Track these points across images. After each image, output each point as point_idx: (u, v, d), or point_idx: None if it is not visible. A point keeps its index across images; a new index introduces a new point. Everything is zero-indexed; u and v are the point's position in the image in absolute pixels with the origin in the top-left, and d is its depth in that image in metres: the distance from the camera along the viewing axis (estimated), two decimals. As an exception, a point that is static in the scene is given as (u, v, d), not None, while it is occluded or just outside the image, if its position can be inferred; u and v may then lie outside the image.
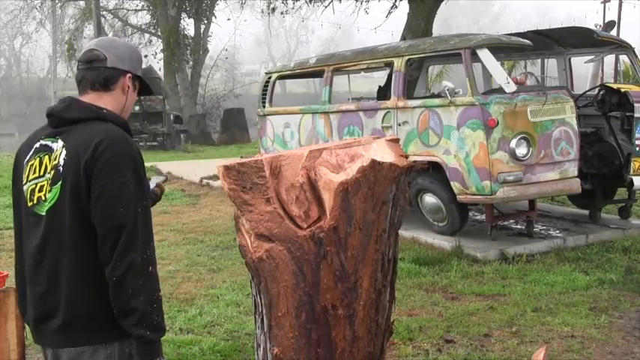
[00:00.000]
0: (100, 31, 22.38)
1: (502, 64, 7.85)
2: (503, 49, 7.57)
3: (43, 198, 1.92)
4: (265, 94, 8.94)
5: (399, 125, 6.92)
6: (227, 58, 33.18)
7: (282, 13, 17.94)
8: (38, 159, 1.96)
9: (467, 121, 6.25)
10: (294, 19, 46.52)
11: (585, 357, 3.96)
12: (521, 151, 6.12)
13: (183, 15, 25.32)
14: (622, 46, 7.72)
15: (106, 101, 2.02)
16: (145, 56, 28.48)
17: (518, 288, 5.29)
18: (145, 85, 2.19)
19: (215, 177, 10.40)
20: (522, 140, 6.12)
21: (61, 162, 1.90)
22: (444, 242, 6.55)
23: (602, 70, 17.97)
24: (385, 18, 15.32)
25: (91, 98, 2.02)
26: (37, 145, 1.98)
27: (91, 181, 1.85)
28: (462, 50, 6.47)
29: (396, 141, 2.87)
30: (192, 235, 7.33)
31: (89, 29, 26.80)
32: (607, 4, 27.58)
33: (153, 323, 1.86)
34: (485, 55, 6.46)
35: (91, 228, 1.86)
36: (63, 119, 1.97)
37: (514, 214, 7.26)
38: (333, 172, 2.69)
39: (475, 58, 6.51)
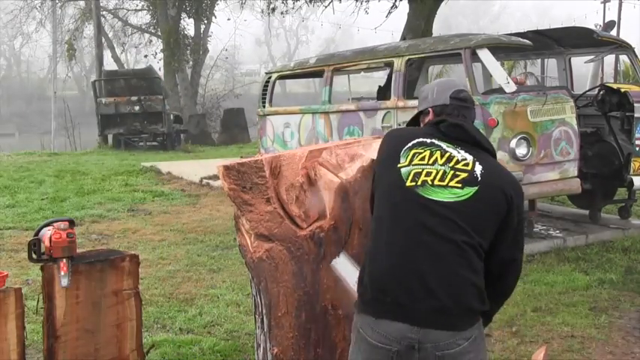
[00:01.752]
0: (100, 31, 22.39)
1: (502, 64, 7.85)
2: (503, 49, 7.56)
3: (430, 183, 2.10)
4: (265, 94, 8.94)
5: (399, 125, 6.92)
6: (227, 58, 33.14)
7: (282, 13, 17.92)
8: (428, 151, 2.16)
9: (467, 121, 6.24)
10: (294, 19, 46.58)
11: (585, 357, 3.97)
12: (521, 151, 6.11)
13: (183, 15, 25.28)
14: (622, 46, 7.71)
15: None
16: (145, 56, 28.54)
17: (518, 288, 5.27)
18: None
19: (215, 177, 10.39)
20: (522, 140, 6.12)
21: (477, 172, 2.12)
22: (444, 242, 6.53)
23: (602, 70, 17.96)
24: (385, 18, 15.30)
25: None
26: (425, 140, 2.19)
27: (511, 214, 2.13)
28: (462, 50, 6.47)
29: (396, 141, 2.87)
30: (192, 235, 7.33)
31: (89, 29, 26.79)
32: (607, 4, 27.57)
33: None
34: (485, 55, 6.45)
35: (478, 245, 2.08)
36: (469, 136, 2.23)
37: (514, 214, 7.23)
38: (333, 172, 2.69)
39: (475, 58, 6.50)
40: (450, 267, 2.01)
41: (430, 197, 2.07)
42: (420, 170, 2.11)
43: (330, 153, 2.69)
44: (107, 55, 27.00)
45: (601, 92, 7.04)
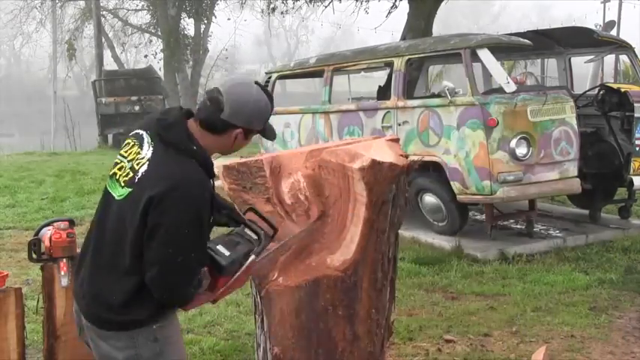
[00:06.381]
0: (100, 31, 22.39)
1: (502, 64, 7.85)
2: (503, 49, 7.56)
3: (119, 181, 2.09)
4: (265, 94, 8.92)
5: (399, 125, 6.92)
6: (227, 58, 33.12)
7: (282, 13, 17.92)
8: (132, 143, 2.13)
9: (467, 121, 6.25)
10: (294, 19, 46.49)
11: (585, 357, 3.97)
12: (521, 151, 6.12)
13: (183, 15, 25.26)
14: (622, 46, 7.71)
15: (208, 140, 2.12)
16: (145, 56, 28.51)
17: (518, 288, 5.29)
18: (268, 131, 2.32)
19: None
20: (522, 140, 6.12)
21: (140, 174, 2.04)
22: (444, 242, 6.55)
23: (602, 70, 17.95)
24: (385, 18, 15.31)
25: (196, 129, 2.11)
26: (137, 131, 2.14)
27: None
28: (462, 50, 6.47)
29: (396, 141, 2.87)
30: (192, 235, 7.31)
31: (89, 29, 26.78)
32: (607, 4, 27.54)
33: None
34: (485, 55, 6.45)
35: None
36: (159, 133, 2.09)
37: (514, 214, 7.25)
38: (334, 170, 2.68)
39: (475, 58, 6.50)
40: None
41: (114, 194, 2.18)
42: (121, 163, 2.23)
43: (330, 153, 2.68)
44: (107, 54, 27.01)
45: (601, 92, 7.04)
